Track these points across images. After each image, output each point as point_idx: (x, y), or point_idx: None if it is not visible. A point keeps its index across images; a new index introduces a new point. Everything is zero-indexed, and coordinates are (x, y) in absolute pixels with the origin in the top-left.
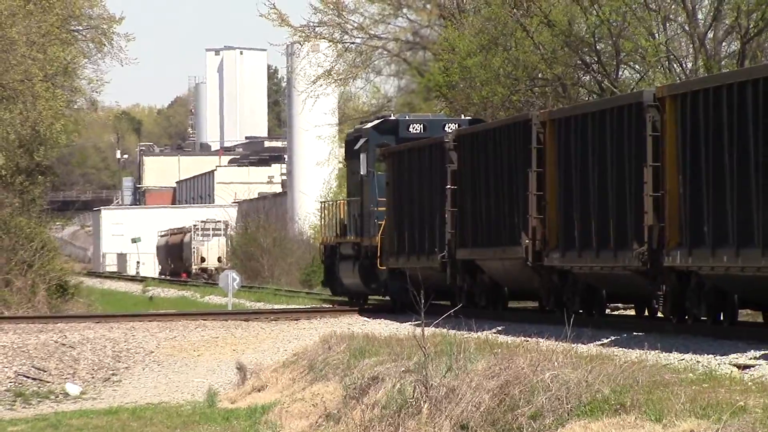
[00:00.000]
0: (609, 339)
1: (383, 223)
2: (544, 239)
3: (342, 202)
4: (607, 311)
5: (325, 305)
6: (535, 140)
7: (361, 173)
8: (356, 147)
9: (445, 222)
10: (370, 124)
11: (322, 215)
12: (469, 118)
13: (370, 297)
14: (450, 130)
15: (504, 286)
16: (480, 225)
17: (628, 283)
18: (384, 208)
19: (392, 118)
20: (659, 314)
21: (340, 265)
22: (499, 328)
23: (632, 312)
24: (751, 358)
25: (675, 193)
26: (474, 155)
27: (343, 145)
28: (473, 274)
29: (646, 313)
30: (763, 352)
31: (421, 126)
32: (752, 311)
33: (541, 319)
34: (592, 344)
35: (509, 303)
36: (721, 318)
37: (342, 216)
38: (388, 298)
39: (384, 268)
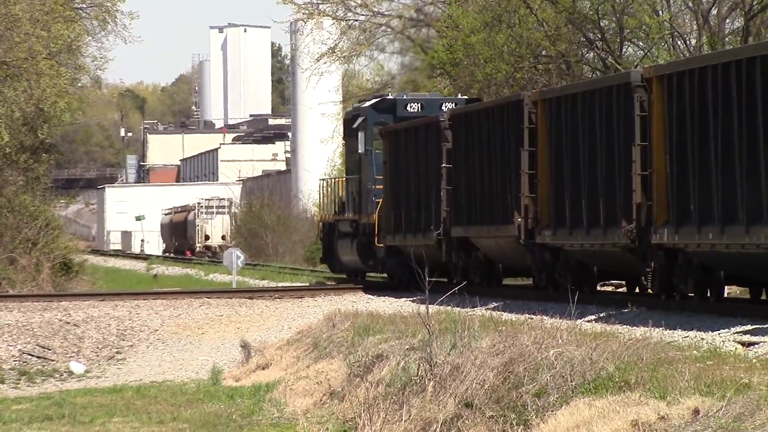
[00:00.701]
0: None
1: (381, 200)
2: (536, 217)
3: (340, 180)
4: (610, 288)
5: (329, 283)
6: (527, 120)
7: (359, 151)
8: (354, 125)
9: (440, 200)
10: (368, 103)
11: (321, 193)
12: (467, 97)
13: (367, 274)
14: (447, 110)
15: (498, 263)
16: (474, 203)
17: (617, 260)
18: (381, 186)
19: (390, 97)
20: (649, 291)
21: (338, 243)
22: (501, 305)
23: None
24: (739, 332)
25: (662, 172)
26: (468, 134)
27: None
28: (468, 251)
29: (637, 290)
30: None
31: (419, 105)
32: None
33: (546, 296)
34: (590, 318)
35: (504, 280)
36: (708, 294)
37: (340, 194)
38: (385, 275)
39: (381, 245)
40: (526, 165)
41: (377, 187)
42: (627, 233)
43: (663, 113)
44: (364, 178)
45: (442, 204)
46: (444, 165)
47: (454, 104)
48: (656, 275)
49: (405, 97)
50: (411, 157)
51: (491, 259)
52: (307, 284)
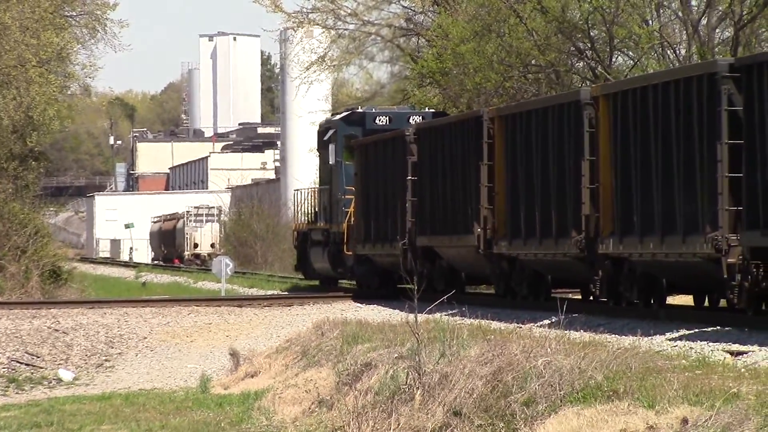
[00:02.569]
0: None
1: (350, 210)
2: (494, 228)
3: (313, 190)
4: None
5: (317, 292)
6: (486, 135)
7: (330, 163)
8: (326, 138)
9: (406, 211)
10: (338, 116)
11: (296, 203)
12: (434, 111)
13: (339, 281)
14: (414, 123)
15: (460, 271)
16: (437, 214)
17: (568, 269)
18: (351, 197)
19: (360, 110)
20: (602, 299)
21: (311, 251)
22: (493, 314)
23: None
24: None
25: (608, 185)
26: (432, 148)
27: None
28: (432, 260)
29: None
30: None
31: (387, 118)
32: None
33: (536, 306)
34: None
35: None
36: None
37: (314, 204)
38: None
39: (351, 253)
40: (485, 178)
41: (347, 197)
42: (576, 243)
43: (609, 130)
44: (335, 188)
45: (408, 215)
46: (410, 177)
47: (421, 118)
48: (604, 283)
49: (374, 110)
50: (379, 169)
51: (454, 267)
52: (285, 292)
